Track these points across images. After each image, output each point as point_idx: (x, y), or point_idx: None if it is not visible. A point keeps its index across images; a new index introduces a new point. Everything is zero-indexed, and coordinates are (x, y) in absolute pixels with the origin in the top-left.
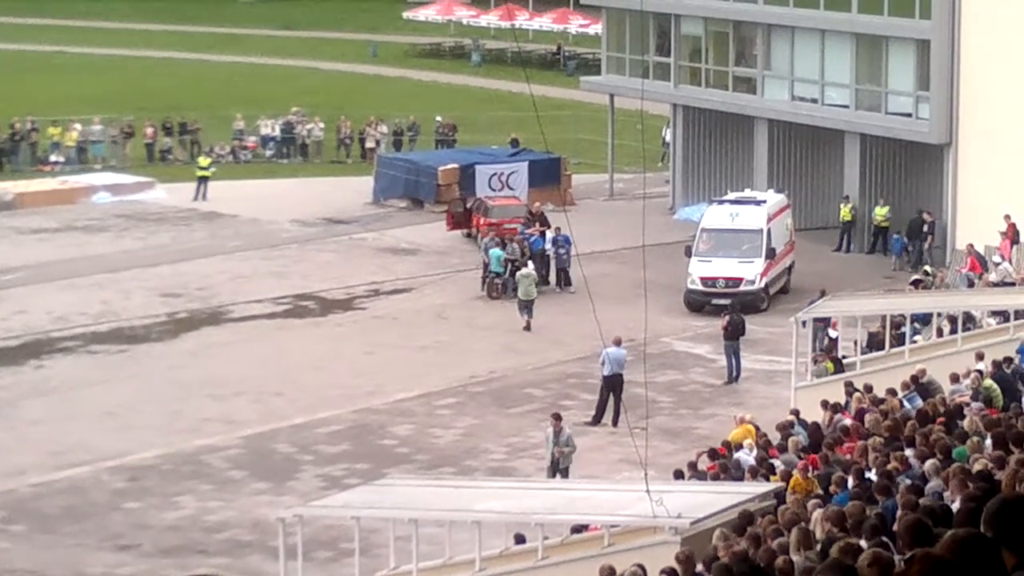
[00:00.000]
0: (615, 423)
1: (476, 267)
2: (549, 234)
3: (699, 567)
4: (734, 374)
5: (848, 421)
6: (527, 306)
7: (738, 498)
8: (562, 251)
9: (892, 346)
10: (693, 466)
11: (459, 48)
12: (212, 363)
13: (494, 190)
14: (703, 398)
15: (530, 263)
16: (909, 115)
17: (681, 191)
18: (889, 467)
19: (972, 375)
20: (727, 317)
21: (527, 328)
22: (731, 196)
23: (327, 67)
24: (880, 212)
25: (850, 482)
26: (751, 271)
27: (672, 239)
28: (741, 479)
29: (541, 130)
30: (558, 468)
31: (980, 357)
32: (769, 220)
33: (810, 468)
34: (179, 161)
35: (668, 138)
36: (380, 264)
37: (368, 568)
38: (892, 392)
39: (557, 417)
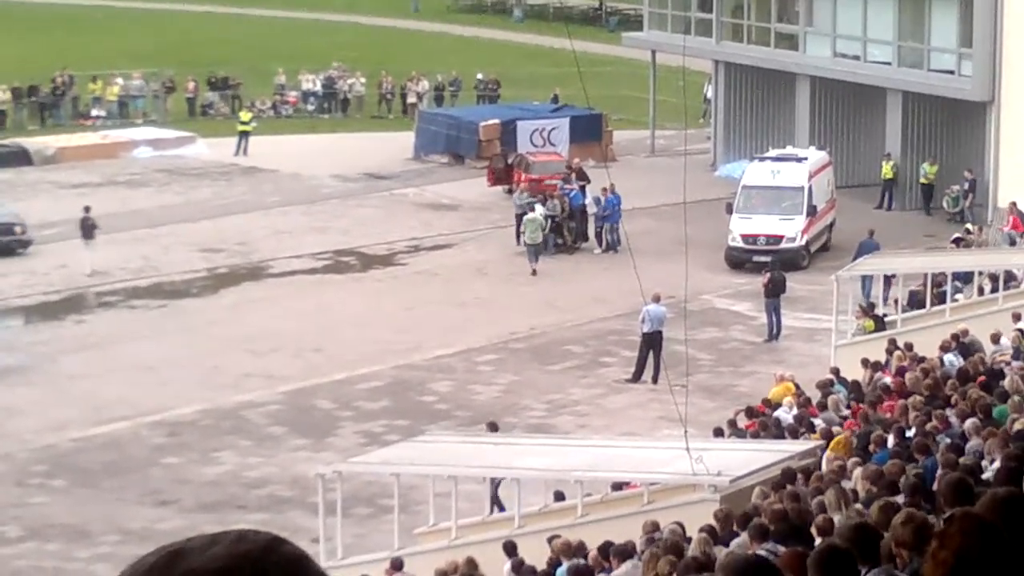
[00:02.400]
0: (655, 380)
1: (515, 224)
2: (590, 191)
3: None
4: (774, 332)
5: (888, 379)
6: (534, 250)
7: (777, 456)
8: (607, 211)
9: (933, 304)
10: (733, 424)
11: (501, 3)
12: (252, 318)
13: (535, 146)
14: (743, 355)
15: (538, 207)
16: (951, 72)
17: (722, 148)
18: (929, 426)
19: (1013, 334)
20: (768, 274)
21: (533, 273)
22: (772, 153)
23: (368, 22)
24: (930, 170)
25: (890, 441)
26: (792, 228)
27: (713, 196)
28: (781, 437)
29: (583, 86)
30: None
31: (1017, 317)
32: (810, 177)
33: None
34: (220, 116)
35: (710, 95)
36: (420, 220)
37: (407, 525)
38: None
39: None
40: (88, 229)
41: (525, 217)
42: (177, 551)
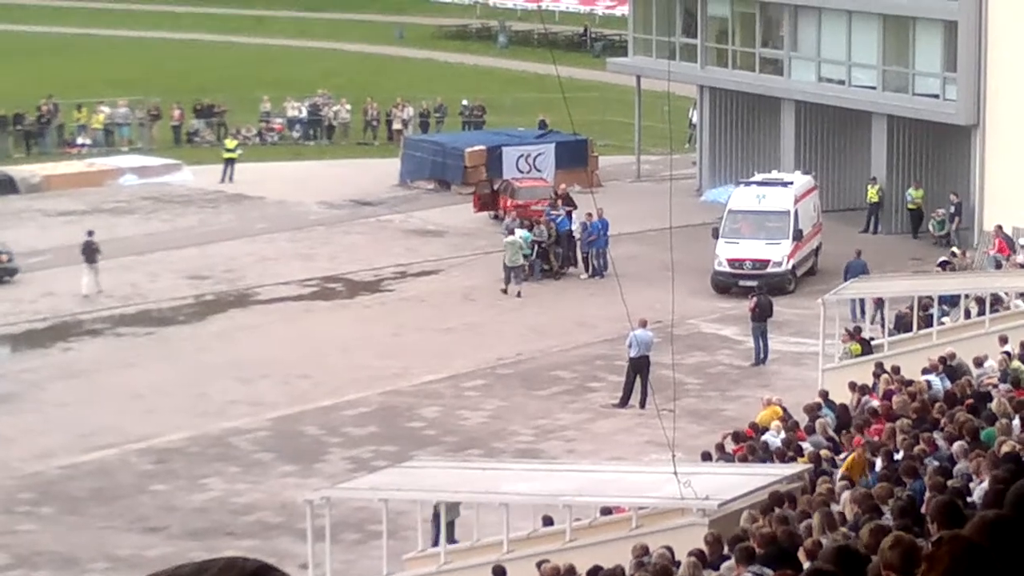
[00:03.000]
0: (642, 405)
1: (502, 249)
2: (576, 216)
3: (726, 549)
4: (761, 356)
5: (876, 403)
6: (510, 272)
7: (766, 480)
8: (592, 236)
9: (920, 328)
10: (721, 448)
11: (485, 30)
12: (239, 345)
13: (521, 172)
14: (730, 380)
15: (517, 231)
16: (936, 96)
17: (708, 173)
18: (917, 449)
19: (1000, 357)
20: (755, 299)
21: (504, 291)
22: (758, 177)
23: (353, 49)
24: (916, 194)
25: (878, 464)
26: (778, 253)
27: (699, 220)
28: (769, 461)
29: (568, 112)
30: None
31: (1004, 340)
32: (796, 201)
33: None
34: (206, 143)
35: (695, 120)
36: (407, 246)
37: (396, 550)
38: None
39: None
40: (91, 253)
41: (505, 240)
42: None
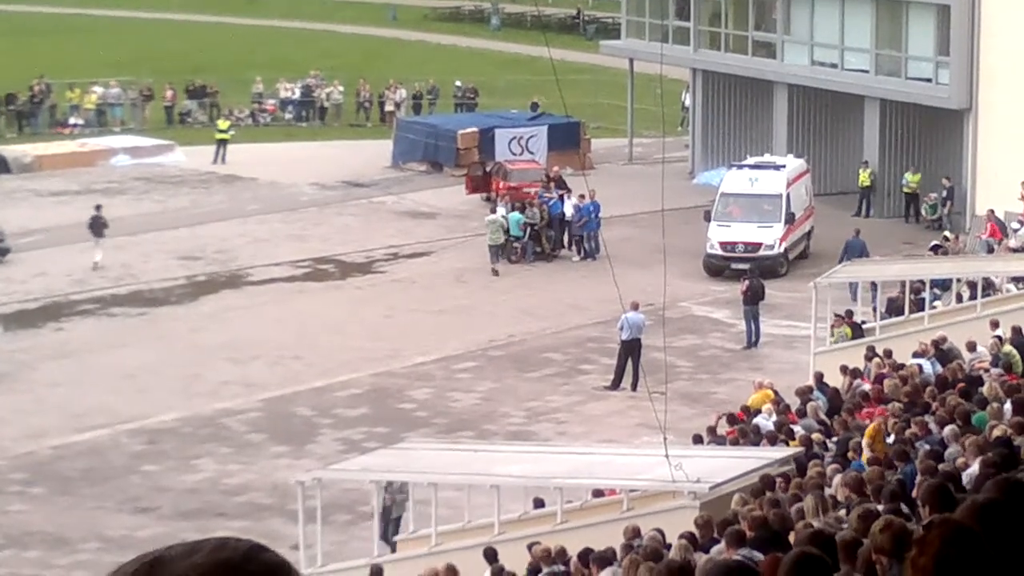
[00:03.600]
0: (634, 387)
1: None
2: (571, 199)
3: (717, 532)
4: (753, 339)
5: (867, 386)
6: (494, 251)
7: (757, 463)
8: (583, 219)
9: (911, 312)
10: (712, 431)
11: (478, 12)
12: (231, 326)
13: (514, 154)
14: (722, 363)
15: (499, 210)
16: (929, 80)
17: (700, 156)
18: (908, 433)
19: (991, 341)
20: (746, 282)
21: (494, 273)
22: (750, 161)
23: (346, 30)
24: (912, 179)
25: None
26: (770, 236)
27: (691, 203)
28: (760, 444)
29: (560, 94)
30: (390, 519)
31: (995, 325)
32: (788, 185)
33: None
34: (198, 124)
35: (687, 103)
36: (399, 228)
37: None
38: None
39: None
40: (98, 227)
41: (486, 219)
42: (157, 559)
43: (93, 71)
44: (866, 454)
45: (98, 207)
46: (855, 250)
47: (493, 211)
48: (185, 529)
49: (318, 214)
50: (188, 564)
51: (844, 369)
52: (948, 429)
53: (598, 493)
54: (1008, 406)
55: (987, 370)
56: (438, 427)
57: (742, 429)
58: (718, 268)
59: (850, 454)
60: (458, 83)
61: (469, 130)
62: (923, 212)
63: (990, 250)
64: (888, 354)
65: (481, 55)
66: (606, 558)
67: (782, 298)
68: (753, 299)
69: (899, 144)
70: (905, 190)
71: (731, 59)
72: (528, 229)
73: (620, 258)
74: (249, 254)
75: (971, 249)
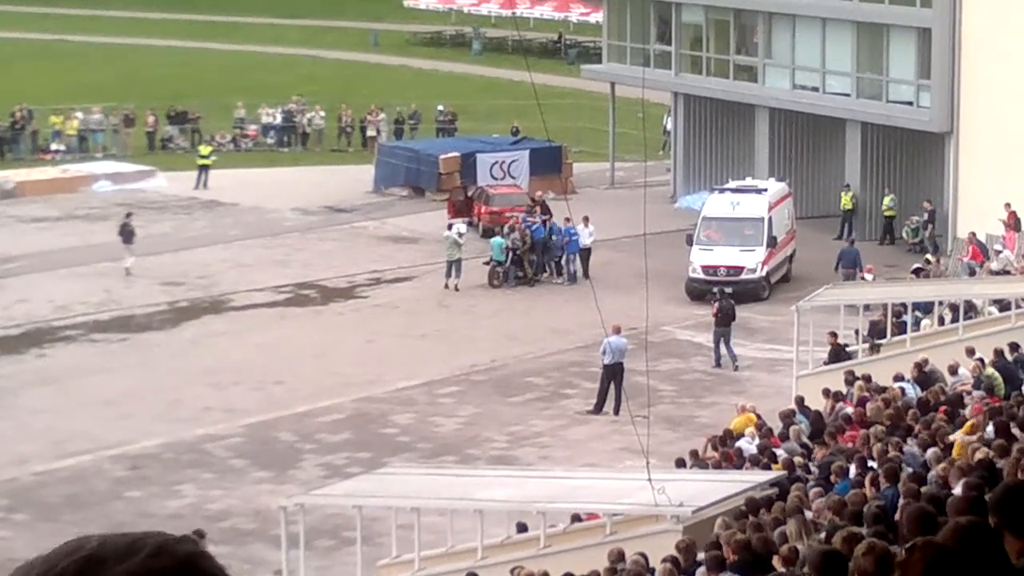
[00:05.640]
0: (616, 412)
1: (477, 255)
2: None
3: (700, 555)
4: (722, 360)
5: (850, 409)
6: (449, 267)
7: (740, 487)
8: (566, 240)
9: (893, 334)
10: (695, 454)
11: (460, 36)
12: (213, 352)
13: (495, 178)
14: (704, 386)
15: (456, 226)
16: (910, 103)
17: (682, 179)
18: (891, 455)
19: (973, 364)
20: (716, 303)
21: (446, 287)
22: (732, 184)
23: (328, 55)
24: (884, 201)
25: (852, 470)
26: (752, 259)
27: (673, 227)
28: (742, 467)
29: (542, 118)
30: None
31: (971, 352)
32: (770, 208)
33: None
34: (180, 149)
35: (669, 126)
36: (381, 252)
37: (370, 557)
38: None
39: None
40: (127, 234)
41: (444, 235)
42: (90, 558)
43: (75, 97)
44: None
45: (128, 215)
46: (849, 258)
47: (449, 227)
48: None
49: (300, 239)
50: (124, 569)
51: (827, 392)
52: (931, 451)
53: (575, 518)
54: (991, 428)
55: (969, 392)
56: (421, 452)
57: (725, 453)
58: (700, 292)
59: (832, 477)
60: (440, 108)
61: (451, 155)
62: (904, 235)
63: (972, 273)
64: (868, 379)
65: (463, 80)
66: None
67: (764, 322)
68: (724, 320)
69: (880, 167)
70: (886, 213)
71: (712, 83)
72: (510, 254)
73: (602, 282)
74: (231, 279)
75: (953, 272)
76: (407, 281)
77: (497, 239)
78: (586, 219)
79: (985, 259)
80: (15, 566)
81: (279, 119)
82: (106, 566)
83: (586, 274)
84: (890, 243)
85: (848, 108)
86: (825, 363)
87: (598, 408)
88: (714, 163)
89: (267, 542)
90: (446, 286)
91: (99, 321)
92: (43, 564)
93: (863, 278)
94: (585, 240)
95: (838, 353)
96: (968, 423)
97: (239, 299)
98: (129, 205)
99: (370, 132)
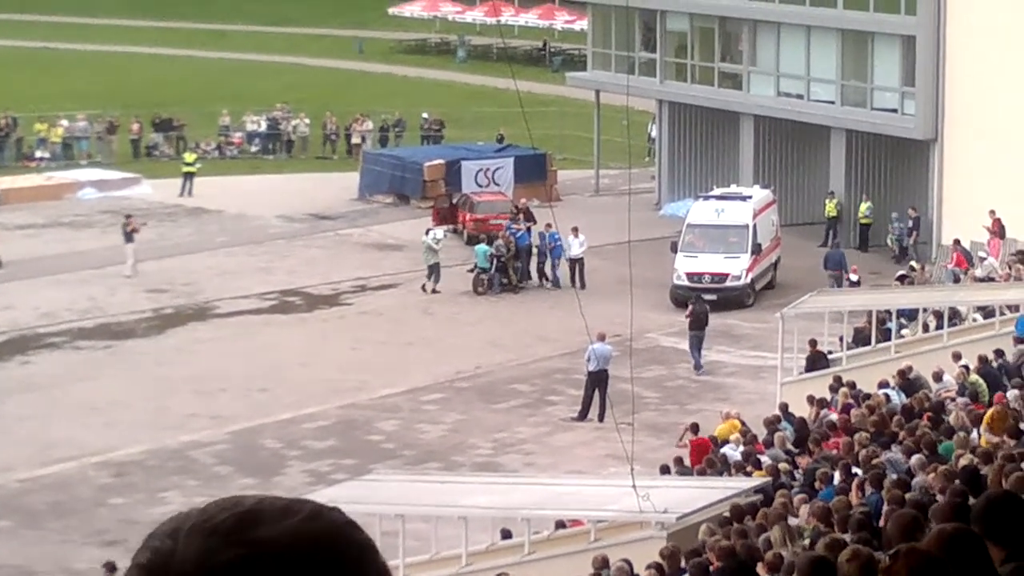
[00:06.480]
0: (601, 419)
1: (462, 263)
2: (537, 230)
3: (684, 562)
4: (701, 364)
5: (834, 416)
6: (427, 271)
7: (724, 493)
8: (550, 245)
9: (878, 341)
10: (679, 461)
11: (445, 44)
12: (198, 359)
13: (480, 186)
14: (689, 393)
15: (433, 231)
16: (895, 111)
17: (667, 187)
18: (875, 462)
19: (957, 371)
20: (691, 307)
21: (423, 289)
22: (717, 192)
23: (313, 63)
24: (861, 208)
25: (836, 477)
26: (737, 267)
27: (658, 235)
28: (727, 474)
29: (527, 126)
30: None
31: (958, 357)
32: (755, 216)
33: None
34: (165, 157)
35: (654, 134)
36: (366, 260)
37: None
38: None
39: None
40: (128, 234)
41: (421, 239)
42: (248, 512)
43: (59, 104)
44: (984, 436)
45: (128, 216)
46: (835, 260)
47: (426, 233)
48: None
49: (285, 246)
50: (282, 528)
51: (811, 399)
52: (915, 458)
53: (560, 524)
54: (975, 434)
55: (953, 399)
56: (406, 459)
57: (709, 459)
58: (685, 299)
59: (817, 484)
60: (425, 115)
61: (435, 162)
62: (888, 242)
63: (956, 280)
64: (852, 386)
65: (447, 87)
66: None
67: (749, 329)
68: (697, 324)
69: (865, 174)
70: (862, 221)
71: (697, 90)
72: (495, 261)
73: (587, 289)
74: (216, 287)
75: (937, 279)
76: (392, 288)
77: (481, 246)
78: (575, 230)
79: (969, 266)
80: (3, 572)
81: (264, 126)
82: (263, 524)
83: (582, 285)
84: (864, 250)
85: (833, 115)
86: (803, 371)
87: (583, 415)
88: (699, 170)
89: None
90: (423, 288)
91: (84, 328)
92: (200, 515)
93: (848, 279)
94: (576, 251)
95: (815, 360)
96: (991, 411)
97: (224, 306)
98: (114, 212)
99: (355, 139)
